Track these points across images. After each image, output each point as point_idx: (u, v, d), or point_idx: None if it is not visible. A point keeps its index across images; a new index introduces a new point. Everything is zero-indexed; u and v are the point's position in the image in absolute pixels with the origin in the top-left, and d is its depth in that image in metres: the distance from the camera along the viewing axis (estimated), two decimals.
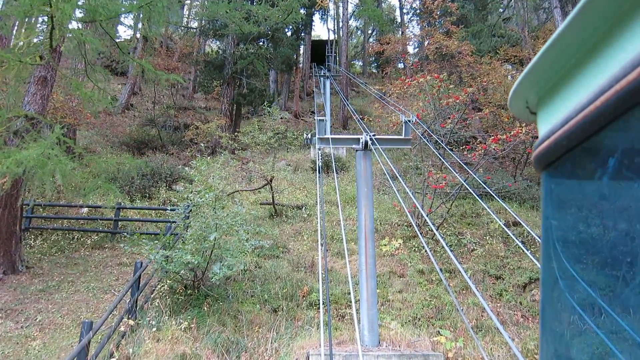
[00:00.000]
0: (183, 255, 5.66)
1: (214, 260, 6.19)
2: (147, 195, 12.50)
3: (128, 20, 25.77)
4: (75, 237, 10.15)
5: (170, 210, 7.81)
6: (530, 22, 25.21)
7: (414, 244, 9.41)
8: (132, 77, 23.65)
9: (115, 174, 11.21)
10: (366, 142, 5.70)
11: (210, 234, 5.90)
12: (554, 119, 0.56)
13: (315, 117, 5.72)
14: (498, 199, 4.52)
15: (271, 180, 10.77)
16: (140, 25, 25.67)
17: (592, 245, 0.51)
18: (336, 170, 16.10)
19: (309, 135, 6.63)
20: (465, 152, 9.39)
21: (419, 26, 27.70)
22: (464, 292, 7.51)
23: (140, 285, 6.75)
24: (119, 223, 10.39)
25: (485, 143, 7.91)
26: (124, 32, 34.02)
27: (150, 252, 6.08)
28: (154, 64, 23.54)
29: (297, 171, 16.56)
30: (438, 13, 18.85)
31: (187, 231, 6.49)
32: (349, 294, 7.40)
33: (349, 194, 12.98)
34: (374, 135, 5.63)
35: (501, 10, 22.62)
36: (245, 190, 12.23)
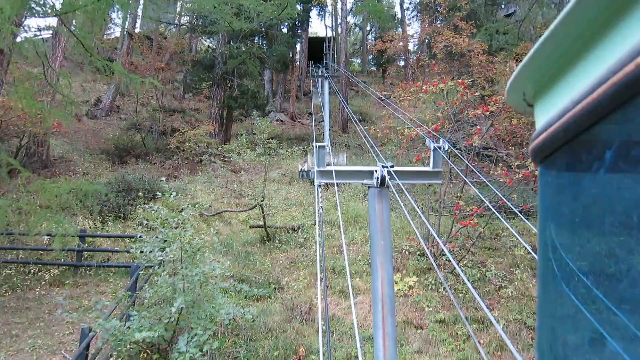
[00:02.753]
0: (137, 330, 4.21)
1: (181, 330, 4.76)
2: (122, 215, 11.00)
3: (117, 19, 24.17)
4: (32, 271, 8.65)
5: (133, 241, 6.26)
6: (534, 19, 23.78)
7: (430, 279, 7.97)
8: (116, 78, 22.01)
9: (74, 198, 9.43)
10: (383, 177, 4.07)
11: (176, 296, 4.45)
12: (551, 112, 0.54)
13: (314, 144, 4.07)
14: (524, 219, 3.28)
15: (262, 202, 9.29)
16: (127, 24, 24.12)
17: (588, 236, 0.49)
18: (336, 183, 14.65)
19: (305, 167, 4.96)
20: (492, 172, 7.97)
21: (420, 22, 26.13)
22: (498, 352, 6.07)
23: (90, 355, 5.26)
24: (84, 253, 8.91)
25: (526, 167, 6.49)
26: (112, 31, 32.30)
27: (96, 321, 4.60)
28: (141, 64, 21.96)
29: (293, 182, 15.07)
30: (446, 8, 17.28)
31: (148, 290, 5.00)
32: (357, 358, 5.96)
33: (350, 211, 11.51)
34: (392, 166, 4.08)
35: (520, 6, 21.04)
36: (234, 211, 10.75)
